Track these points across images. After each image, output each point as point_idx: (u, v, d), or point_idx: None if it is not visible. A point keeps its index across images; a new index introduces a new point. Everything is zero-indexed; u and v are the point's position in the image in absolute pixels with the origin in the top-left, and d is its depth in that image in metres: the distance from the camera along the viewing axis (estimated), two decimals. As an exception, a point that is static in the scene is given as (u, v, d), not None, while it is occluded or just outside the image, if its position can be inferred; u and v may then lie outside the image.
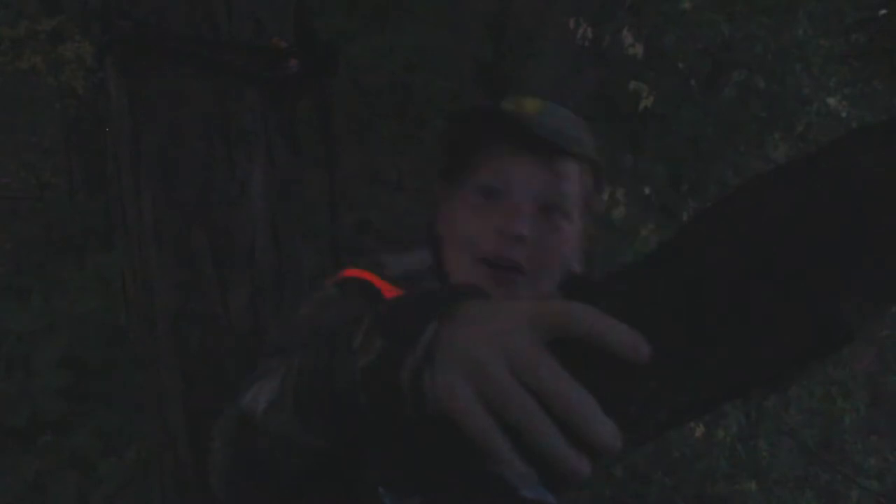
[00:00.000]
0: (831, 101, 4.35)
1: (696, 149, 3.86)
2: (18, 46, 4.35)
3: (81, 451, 2.81)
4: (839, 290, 0.52)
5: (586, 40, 2.42)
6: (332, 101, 1.62)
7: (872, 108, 4.52)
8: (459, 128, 0.94)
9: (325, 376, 0.57)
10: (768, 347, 0.53)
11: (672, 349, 0.51)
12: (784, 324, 0.52)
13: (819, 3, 3.89)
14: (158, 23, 1.49)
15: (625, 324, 0.47)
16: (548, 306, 0.48)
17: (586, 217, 0.96)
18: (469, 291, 0.55)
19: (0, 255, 4.39)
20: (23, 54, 4.33)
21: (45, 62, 4.28)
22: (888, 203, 0.51)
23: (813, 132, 4.27)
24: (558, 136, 0.88)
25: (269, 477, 0.67)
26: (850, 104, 4.55)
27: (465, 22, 2.58)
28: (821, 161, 0.56)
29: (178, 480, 1.58)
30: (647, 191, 3.43)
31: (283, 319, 0.86)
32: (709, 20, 3.33)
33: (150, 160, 1.53)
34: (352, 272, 0.92)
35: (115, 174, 1.60)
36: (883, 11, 3.95)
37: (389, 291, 0.88)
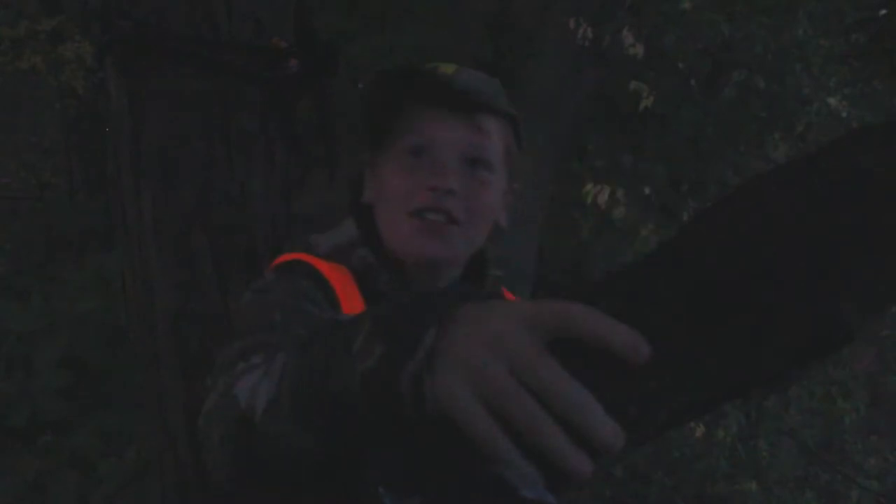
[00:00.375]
0: (831, 101, 4.36)
1: (696, 149, 3.86)
2: (18, 46, 4.35)
3: (81, 451, 2.81)
4: (839, 290, 0.52)
5: (586, 40, 2.41)
6: (332, 101, 1.62)
7: (872, 108, 4.52)
8: (379, 93, 0.95)
9: (322, 379, 0.57)
10: (768, 347, 0.53)
11: (672, 349, 0.51)
12: (784, 324, 0.52)
13: (819, 3, 3.90)
14: (158, 23, 1.49)
15: (625, 324, 0.47)
16: (547, 307, 0.48)
17: (509, 172, 1.00)
18: (468, 294, 0.55)
19: (0, 255, 4.39)
20: (23, 54, 4.33)
21: (45, 62, 4.28)
22: (888, 203, 0.51)
23: (813, 132, 4.27)
24: (475, 93, 0.92)
25: (269, 475, 0.67)
26: (850, 104, 4.55)
27: (465, 22, 2.58)
28: (821, 161, 0.56)
29: (178, 480, 1.58)
30: (647, 191, 3.43)
31: (239, 310, 0.88)
32: (709, 20, 3.34)
33: (150, 160, 1.53)
34: (287, 257, 0.96)
35: (115, 174, 1.60)
36: (883, 11, 3.95)
37: (323, 266, 0.92)
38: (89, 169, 4.62)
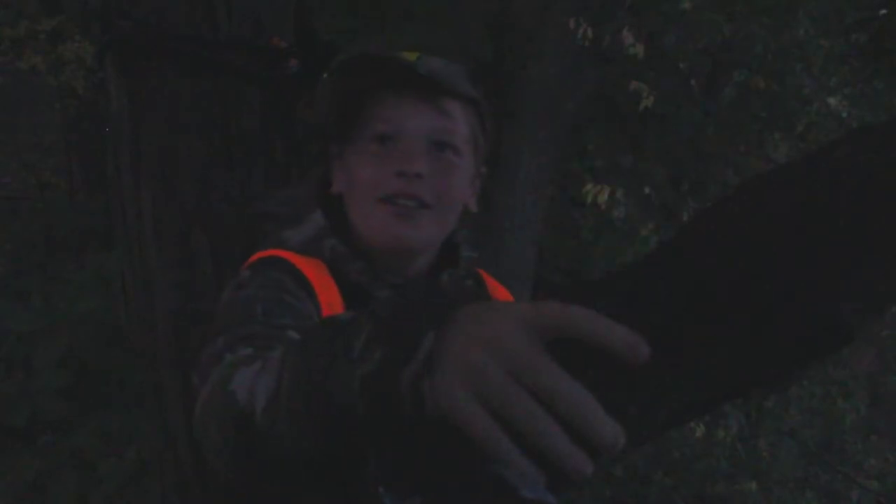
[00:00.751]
0: (831, 101, 4.36)
1: (696, 149, 3.86)
2: (18, 46, 4.35)
3: (81, 451, 2.81)
4: (839, 290, 0.52)
5: (586, 40, 2.41)
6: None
7: (872, 108, 4.52)
8: (343, 83, 0.95)
9: (322, 382, 0.57)
10: (768, 347, 0.53)
11: (672, 349, 0.51)
12: (784, 324, 0.52)
13: (819, 3, 3.89)
14: (158, 23, 1.49)
15: (624, 324, 0.47)
16: (545, 308, 0.48)
17: (476, 156, 1.00)
18: (467, 296, 0.55)
19: (0, 255, 4.38)
20: (23, 54, 4.33)
21: (45, 62, 4.28)
22: (888, 203, 0.51)
23: (813, 132, 4.27)
24: (439, 78, 0.92)
25: (269, 474, 0.68)
26: (850, 104, 4.55)
27: (465, 22, 2.58)
28: (821, 161, 0.56)
29: (178, 480, 1.58)
30: (647, 191, 3.43)
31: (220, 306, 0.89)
32: (709, 20, 3.33)
33: (150, 160, 1.53)
34: (261, 254, 0.96)
35: (115, 174, 1.60)
36: (883, 11, 3.95)
37: (297, 259, 0.93)
38: (89, 169, 4.62)
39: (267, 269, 0.92)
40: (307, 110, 1.58)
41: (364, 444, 0.58)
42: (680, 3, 3.18)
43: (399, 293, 0.97)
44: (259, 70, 1.52)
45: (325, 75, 0.96)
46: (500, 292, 1.12)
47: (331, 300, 0.91)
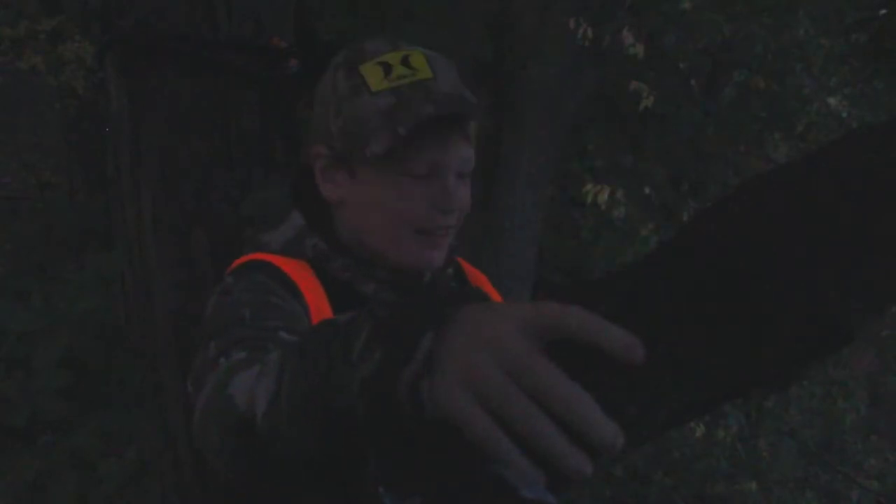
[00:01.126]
0: (831, 101, 4.36)
1: (696, 149, 3.86)
2: (18, 46, 4.34)
3: (81, 451, 2.81)
4: (839, 290, 0.52)
5: (586, 40, 2.41)
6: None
7: (872, 108, 4.52)
8: (375, 121, 0.91)
9: (321, 384, 0.57)
10: (768, 347, 0.53)
11: (672, 349, 0.51)
12: (784, 324, 0.52)
13: (819, 3, 3.89)
14: (158, 23, 1.49)
15: (624, 324, 0.47)
16: (543, 309, 0.49)
17: None
18: (465, 297, 0.55)
19: (0, 255, 4.38)
20: (23, 54, 4.33)
21: (45, 62, 4.27)
22: (888, 203, 0.51)
23: (813, 132, 4.27)
24: (462, 103, 0.92)
25: (270, 475, 0.68)
26: (850, 104, 4.55)
27: (465, 22, 2.58)
28: (821, 161, 0.56)
29: (177, 480, 1.58)
30: (647, 191, 3.43)
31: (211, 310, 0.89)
32: (709, 20, 3.33)
33: (150, 160, 1.53)
34: (243, 258, 0.97)
35: (115, 174, 1.60)
36: (883, 11, 3.95)
37: (279, 261, 0.93)
38: (89, 169, 4.61)
39: (250, 272, 0.92)
40: (307, 110, 1.58)
41: (364, 444, 0.58)
42: (680, 3, 3.18)
43: (398, 294, 0.97)
44: (259, 70, 1.52)
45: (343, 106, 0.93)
46: (479, 280, 1.13)
47: (317, 299, 0.92)
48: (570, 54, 2.52)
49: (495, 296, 1.12)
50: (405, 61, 0.92)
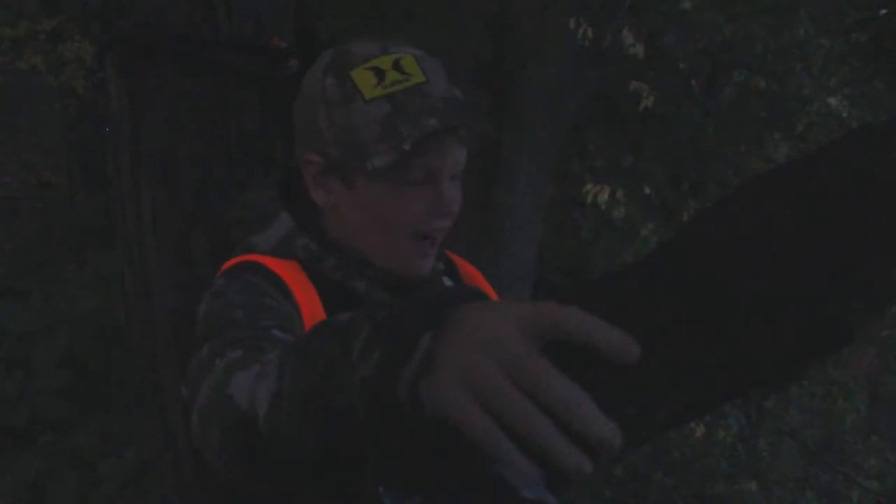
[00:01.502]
0: (831, 101, 4.36)
1: (696, 149, 3.86)
2: (18, 46, 4.35)
3: (81, 451, 2.81)
4: (839, 290, 0.52)
5: (586, 40, 2.41)
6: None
7: (872, 108, 4.52)
8: (374, 128, 0.90)
9: (321, 385, 0.57)
10: (768, 347, 0.53)
11: (672, 349, 0.51)
12: (784, 324, 0.52)
13: (819, 3, 3.89)
14: (158, 23, 1.49)
15: (624, 324, 0.47)
16: (541, 309, 0.49)
17: None
18: (464, 297, 0.55)
19: (0, 255, 4.38)
20: (23, 54, 4.33)
21: (45, 62, 4.27)
22: (888, 203, 0.51)
23: (813, 132, 4.27)
24: (457, 106, 0.91)
25: (271, 475, 0.68)
26: (850, 104, 4.55)
27: (465, 22, 2.58)
28: (821, 161, 0.56)
29: (177, 480, 1.58)
30: (647, 191, 3.43)
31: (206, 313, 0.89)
32: (709, 20, 3.33)
33: (150, 160, 1.53)
34: (233, 261, 0.96)
35: (115, 174, 1.60)
36: (883, 11, 3.95)
37: (270, 262, 0.93)
38: (89, 169, 4.61)
39: (242, 274, 0.92)
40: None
41: (364, 444, 0.58)
42: (680, 3, 3.18)
43: (390, 291, 0.97)
44: (259, 70, 1.52)
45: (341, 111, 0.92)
46: (471, 273, 1.13)
47: (308, 300, 0.91)
48: (570, 54, 2.52)
49: (489, 290, 1.12)
50: (397, 65, 0.90)
